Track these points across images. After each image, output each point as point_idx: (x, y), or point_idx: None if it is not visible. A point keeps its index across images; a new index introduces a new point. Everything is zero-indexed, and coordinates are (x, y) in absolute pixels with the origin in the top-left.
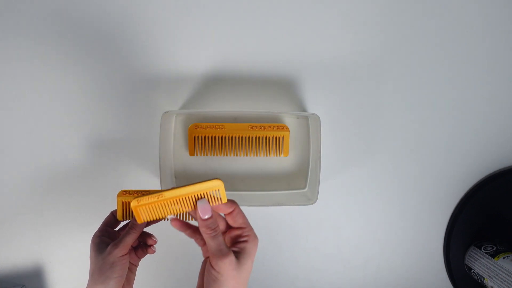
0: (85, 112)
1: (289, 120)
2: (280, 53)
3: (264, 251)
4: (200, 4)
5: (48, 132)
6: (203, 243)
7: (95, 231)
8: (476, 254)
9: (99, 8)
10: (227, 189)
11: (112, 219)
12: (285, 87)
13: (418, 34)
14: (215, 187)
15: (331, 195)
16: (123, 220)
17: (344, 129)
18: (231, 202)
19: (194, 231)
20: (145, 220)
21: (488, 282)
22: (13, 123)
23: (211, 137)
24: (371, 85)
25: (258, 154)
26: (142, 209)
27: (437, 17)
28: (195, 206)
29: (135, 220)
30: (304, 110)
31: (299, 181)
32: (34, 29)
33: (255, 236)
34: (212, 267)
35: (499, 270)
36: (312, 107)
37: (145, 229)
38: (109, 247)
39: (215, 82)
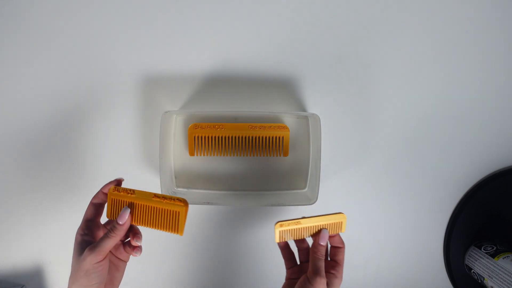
0: (85, 112)
1: (289, 120)
2: (280, 53)
3: (264, 251)
4: (200, 4)
5: (47, 133)
6: (290, 265)
7: None
8: (476, 254)
9: (99, 8)
10: (227, 189)
11: (92, 212)
12: (285, 87)
13: (418, 34)
14: (339, 219)
15: (331, 195)
16: (111, 219)
17: (344, 129)
18: (343, 241)
19: (289, 252)
20: (282, 240)
21: (488, 282)
22: (13, 123)
23: (211, 137)
24: (371, 85)
25: (258, 154)
26: (283, 232)
27: (437, 17)
28: (318, 232)
29: (117, 223)
30: (304, 110)
31: (299, 181)
32: (35, 27)
33: (342, 277)
34: (310, 282)
35: (499, 270)
36: (312, 107)
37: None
38: (85, 251)
39: (215, 82)
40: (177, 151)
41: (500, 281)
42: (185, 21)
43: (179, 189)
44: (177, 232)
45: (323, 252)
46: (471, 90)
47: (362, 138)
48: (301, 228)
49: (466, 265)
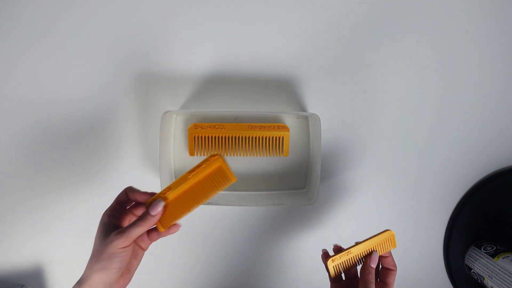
0: (85, 112)
1: (289, 120)
2: (280, 53)
3: (264, 251)
4: (200, 4)
5: (48, 132)
6: (336, 279)
7: (95, 231)
8: (476, 254)
9: (99, 8)
10: (227, 189)
11: (124, 197)
12: (285, 87)
13: (418, 34)
14: (388, 236)
15: (331, 195)
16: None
17: (344, 129)
18: (395, 264)
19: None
20: (337, 275)
21: (488, 282)
22: (13, 124)
23: (211, 137)
24: (371, 86)
25: (258, 154)
26: (336, 266)
27: (437, 17)
28: (369, 254)
29: (149, 213)
30: (304, 110)
31: (299, 181)
32: (34, 27)
33: None
34: None
35: (499, 270)
36: (312, 107)
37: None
38: (112, 235)
39: (215, 82)
40: (177, 151)
41: (500, 281)
42: (185, 21)
43: None
44: (231, 180)
45: (373, 274)
46: (471, 90)
47: (362, 139)
48: (353, 257)
49: (466, 265)
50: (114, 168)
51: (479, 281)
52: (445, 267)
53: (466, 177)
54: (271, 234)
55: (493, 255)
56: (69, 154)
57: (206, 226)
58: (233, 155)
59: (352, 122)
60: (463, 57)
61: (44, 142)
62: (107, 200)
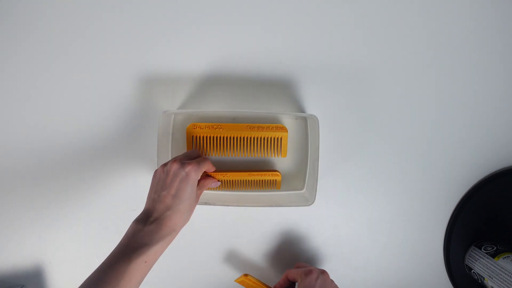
0: (84, 112)
1: (288, 121)
2: (279, 54)
3: (264, 251)
4: (200, 5)
5: (48, 132)
6: None
7: (95, 231)
8: (476, 254)
9: (99, 8)
10: (225, 189)
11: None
12: (283, 88)
13: (416, 35)
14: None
15: (330, 195)
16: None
17: (343, 130)
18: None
19: None
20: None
21: (488, 282)
22: (13, 125)
23: (209, 137)
24: (371, 86)
25: (257, 155)
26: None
27: (435, 18)
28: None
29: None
30: (303, 111)
31: (297, 182)
32: (35, 29)
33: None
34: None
35: (499, 270)
36: (310, 108)
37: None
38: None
39: (214, 83)
40: (175, 150)
41: (500, 281)
42: (184, 21)
43: None
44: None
45: None
46: (471, 91)
47: (361, 140)
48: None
49: (466, 265)
50: (112, 167)
51: (479, 281)
52: (445, 267)
53: (466, 177)
54: (271, 234)
55: (493, 255)
56: (68, 154)
57: (205, 226)
58: (232, 156)
59: (351, 123)
60: (463, 57)
61: (43, 142)
62: (106, 199)
